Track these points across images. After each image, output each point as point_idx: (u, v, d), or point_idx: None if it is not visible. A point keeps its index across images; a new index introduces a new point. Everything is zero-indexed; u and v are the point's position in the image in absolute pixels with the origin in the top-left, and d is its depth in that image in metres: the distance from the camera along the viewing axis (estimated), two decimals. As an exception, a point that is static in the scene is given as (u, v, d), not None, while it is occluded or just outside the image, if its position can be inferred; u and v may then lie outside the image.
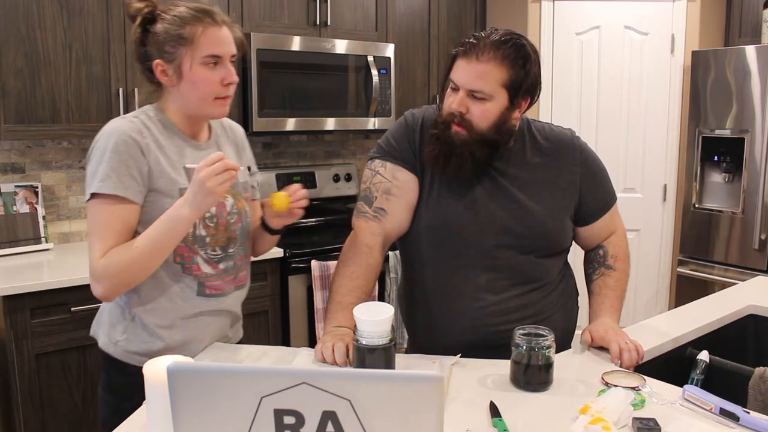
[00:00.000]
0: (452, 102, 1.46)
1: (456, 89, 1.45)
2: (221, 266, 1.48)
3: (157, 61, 1.38)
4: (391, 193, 1.53)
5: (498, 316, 1.50)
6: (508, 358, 1.32)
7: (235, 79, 1.41)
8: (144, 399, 1.11)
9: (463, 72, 1.43)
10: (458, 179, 1.50)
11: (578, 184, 1.57)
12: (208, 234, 1.44)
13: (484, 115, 1.43)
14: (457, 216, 1.51)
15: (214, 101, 1.40)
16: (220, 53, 1.37)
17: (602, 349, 1.46)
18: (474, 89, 1.42)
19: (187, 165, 1.41)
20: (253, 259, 1.64)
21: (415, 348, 1.64)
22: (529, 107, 1.50)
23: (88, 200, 1.35)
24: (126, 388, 1.44)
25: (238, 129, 1.64)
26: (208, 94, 1.39)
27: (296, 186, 1.45)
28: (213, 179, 1.26)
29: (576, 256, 1.70)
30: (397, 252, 1.87)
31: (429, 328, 1.58)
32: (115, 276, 1.32)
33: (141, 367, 1.39)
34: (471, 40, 1.43)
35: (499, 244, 1.51)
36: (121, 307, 1.45)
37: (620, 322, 1.54)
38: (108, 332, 1.46)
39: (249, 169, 1.58)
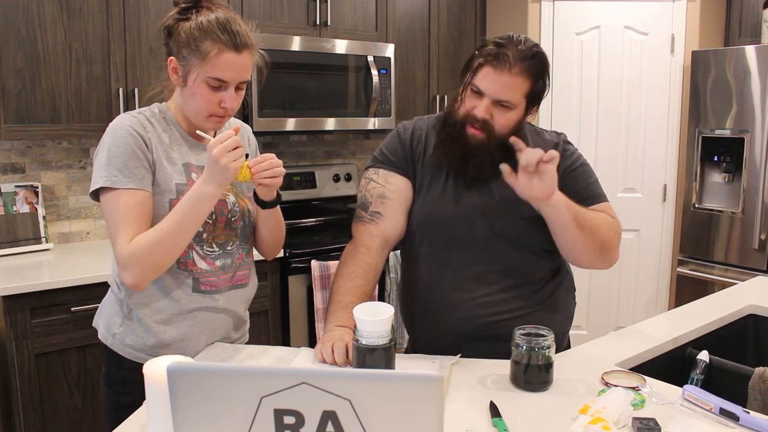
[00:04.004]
0: (476, 108, 1.48)
1: (479, 94, 1.47)
2: (218, 263, 1.48)
3: (172, 58, 1.40)
4: (385, 197, 1.58)
5: (489, 307, 1.52)
6: (503, 349, 1.32)
7: (233, 105, 1.40)
8: (141, 396, 1.11)
9: (494, 82, 1.45)
10: (477, 180, 1.53)
11: (559, 176, 1.51)
12: (205, 230, 1.45)
13: (507, 123, 1.48)
14: (446, 210, 1.55)
15: (208, 117, 1.41)
16: (226, 79, 1.36)
17: (601, 348, 1.46)
18: (502, 99, 1.46)
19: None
20: (257, 258, 1.63)
21: (413, 341, 1.67)
22: None
23: (100, 194, 1.36)
24: (122, 382, 1.45)
25: (245, 129, 1.64)
26: (203, 110, 1.40)
27: (261, 156, 1.41)
28: (226, 156, 1.29)
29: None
30: (397, 252, 1.88)
31: (425, 321, 1.61)
32: (143, 260, 1.32)
33: (137, 362, 1.41)
34: (499, 50, 1.45)
35: (489, 237, 1.54)
36: (120, 299, 1.46)
37: (621, 322, 1.54)
38: (107, 324, 1.48)
39: (247, 156, 1.53)
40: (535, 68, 1.46)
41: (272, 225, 1.56)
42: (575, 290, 1.70)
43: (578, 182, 1.59)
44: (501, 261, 1.54)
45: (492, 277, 1.53)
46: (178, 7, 1.40)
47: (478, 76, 1.47)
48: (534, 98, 1.49)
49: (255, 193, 1.50)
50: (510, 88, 1.45)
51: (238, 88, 1.40)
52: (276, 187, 1.46)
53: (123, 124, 1.38)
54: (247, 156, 1.52)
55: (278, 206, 1.52)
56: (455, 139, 1.50)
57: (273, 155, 1.41)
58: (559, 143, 1.61)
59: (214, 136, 1.53)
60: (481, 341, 1.50)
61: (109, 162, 1.35)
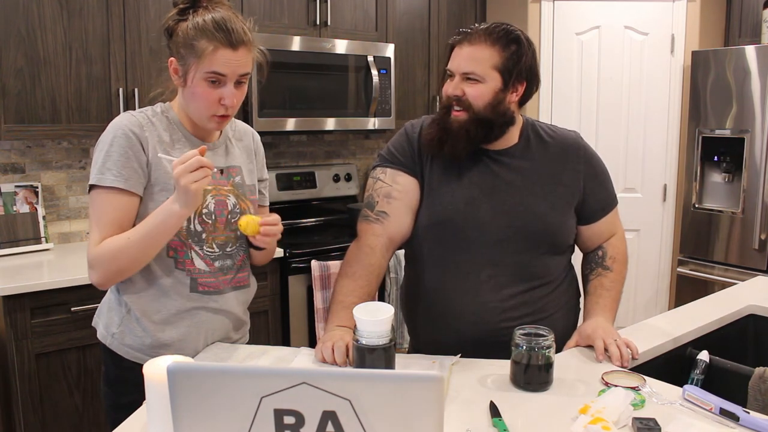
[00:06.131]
0: (448, 88, 1.52)
1: (452, 76, 1.52)
2: (217, 264, 1.48)
3: (172, 59, 1.40)
4: (392, 197, 1.57)
5: (498, 313, 1.51)
6: (509, 356, 1.32)
7: (233, 102, 1.39)
8: (141, 396, 1.11)
9: (457, 57, 1.51)
10: (454, 161, 1.55)
11: (581, 182, 1.59)
12: (204, 230, 1.45)
13: (479, 95, 1.49)
14: (457, 213, 1.53)
15: (209, 117, 1.41)
16: (223, 72, 1.36)
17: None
18: (467, 71, 1.48)
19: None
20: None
21: (416, 345, 1.65)
22: (527, 95, 1.55)
23: (89, 192, 1.39)
24: (122, 382, 1.45)
25: (253, 134, 1.63)
26: (204, 108, 1.39)
27: (274, 217, 1.43)
28: (186, 176, 1.27)
29: (577, 257, 1.71)
30: (398, 252, 1.88)
31: (431, 326, 1.59)
32: (107, 264, 1.35)
33: (136, 362, 1.41)
34: (464, 30, 1.52)
35: (500, 239, 1.52)
36: (118, 299, 1.46)
37: (620, 322, 1.54)
38: (106, 323, 1.48)
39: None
40: (500, 38, 1.48)
41: (261, 258, 1.61)
42: (581, 295, 1.70)
43: (600, 192, 1.63)
44: (513, 264, 1.52)
45: (503, 281, 1.52)
46: (177, 8, 1.40)
47: (449, 62, 1.53)
48: (509, 71, 1.48)
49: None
50: (472, 59, 1.48)
51: (239, 83, 1.39)
52: (267, 246, 1.50)
53: (120, 123, 1.38)
54: (222, 171, 1.50)
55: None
56: (438, 123, 1.53)
57: (278, 219, 1.44)
58: (580, 141, 1.63)
59: (219, 137, 1.53)
60: (489, 346, 1.47)
61: (100, 161, 1.36)
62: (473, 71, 1.47)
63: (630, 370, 1.38)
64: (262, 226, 1.40)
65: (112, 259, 1.34)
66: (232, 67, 1.36)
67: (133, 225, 1.38)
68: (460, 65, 1.49)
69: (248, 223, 1.39)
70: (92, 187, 1.37)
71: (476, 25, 1.52)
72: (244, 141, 1.59)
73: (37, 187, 2.70)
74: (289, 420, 0.77)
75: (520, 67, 1.49)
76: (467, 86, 1.49)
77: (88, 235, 1.38)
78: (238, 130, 1.59)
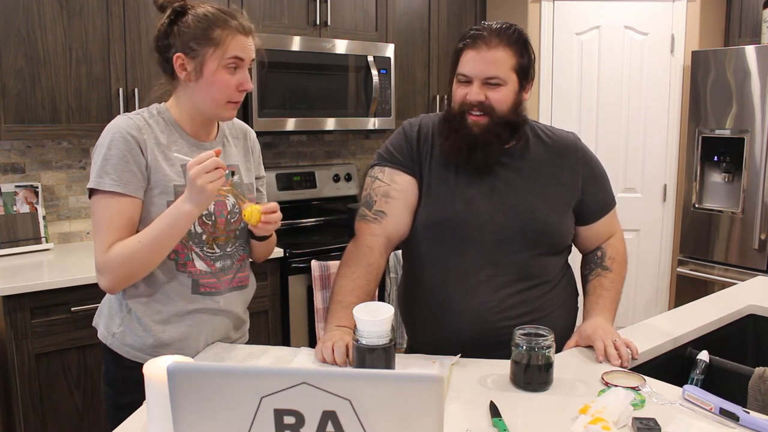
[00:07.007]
0: (466, 94, 1.49)
1: (466, 82, 1.49)
2: (218, 265, 1.48)
3: (179, 54, 1.40)
4: (390, 196, 1.56)
5: (497, 312, 1.51)
6: (508, 355, 1.32)
7: (250, 86, 1.43)
8: (141, 395, 1.11)
9: (477, 62, 1.47)
10: (483, 167, 1.53)
11: (580, 183, 1.59)
12: (204, 231, 1.45)
13: (503, 99, 1.48)
14: (456, 213, 1.53)
15: (225, 104, 1.42)
16: (243, 57, 1.40)
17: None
18: (489, 76, 1.46)
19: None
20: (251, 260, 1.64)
21: (415, 345, 1.65)
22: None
23: (90, 196, 1.39)
24: (123, 382, 1.45)
25: (249, 131, 1.64)
26: (222, 97, 1.41)
27: (273, 205, 1.45)
28: (203, 177, 1.29)
29: (575, 257, 1.71)
30: (397, 252, 1.88)
31: (429, 325, 1.59)
32: (118, 269, 1.35)
33: (137, 362, 1.41)
34: (475, 32, 1.48)
35: (499, 240, 1.52)
36: (119, 299, 1.46)
37: (620, 322, 1.54)
38: (106, 323, 1.48)
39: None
40: (515, 38, 1.47)
41: (262, 250, 1.61)
42: (578, 294, 1.70)
43: (598, 193, 1.63)
44: (512, 264, 1.52)
45: (501, 281, 1.52)
46: (171, 9, 1.40)
47: (461, 64, 1.50)
48: (524, 72, 1.49)
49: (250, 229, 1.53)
50: (494, 63, 1.45)
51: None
52: (269, 233, 1.52)
53: (118, 127, 1.38)
54: (233, 174, 1.52)
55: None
56: (458, 131, 1.50)
57: (278, 206, 1.45)
58: (578, 143, 1.63)
59: (216, 136, 1.53)
60: (488, 346, 1.47)
61: (99, 165, 1.36)
62: (496, 75, 1.46)
63: (630, 370, 1.38)
64: (263, 214, 1.42)
65: (122, 264, 1.34)
66: (248, 51, 1.41)
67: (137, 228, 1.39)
68: (482, 70, 1.46)
69: (252, 213, 1.41)
70: (92, 192, 1.37)
71: (484, 23, 1.51)
72: (240, 139, 1.59)
73: (37, 187, 2.71)
74: (289, 420, 0.77)
75: (530, 66, 1.50)
76: (489, 91, 1.47)
77: (93, 241, 1.38)
78: (235, 128, 1.60)
